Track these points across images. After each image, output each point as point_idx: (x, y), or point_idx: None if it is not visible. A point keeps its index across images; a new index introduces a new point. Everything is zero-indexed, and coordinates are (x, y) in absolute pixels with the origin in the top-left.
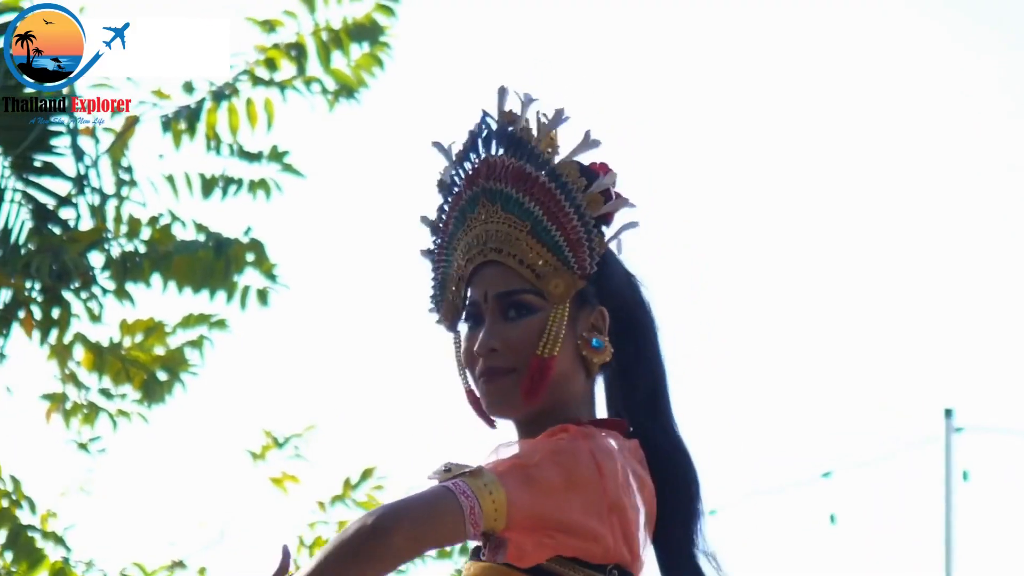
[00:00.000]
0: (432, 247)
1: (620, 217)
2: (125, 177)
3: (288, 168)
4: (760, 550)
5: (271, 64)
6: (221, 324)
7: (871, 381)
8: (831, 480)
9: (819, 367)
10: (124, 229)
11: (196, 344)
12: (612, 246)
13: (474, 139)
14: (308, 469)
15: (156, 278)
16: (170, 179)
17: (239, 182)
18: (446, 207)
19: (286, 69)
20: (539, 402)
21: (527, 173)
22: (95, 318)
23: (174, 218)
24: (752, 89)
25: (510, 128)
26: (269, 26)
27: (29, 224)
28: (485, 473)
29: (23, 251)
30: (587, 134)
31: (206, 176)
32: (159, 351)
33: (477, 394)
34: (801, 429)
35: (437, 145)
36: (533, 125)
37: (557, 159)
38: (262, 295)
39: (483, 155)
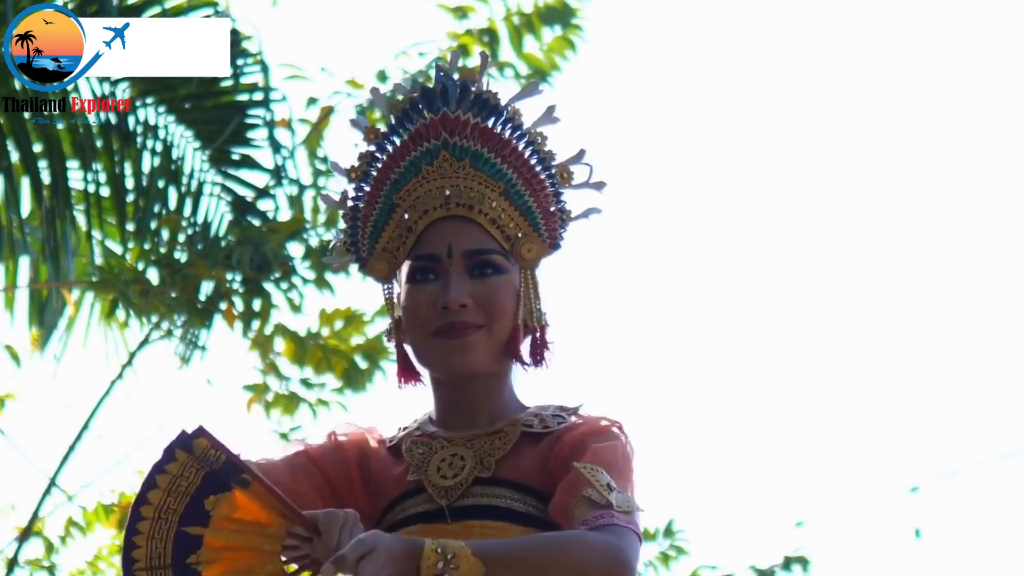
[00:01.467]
0: (353, 193)
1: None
2: (321, 167)
3: None
4: (845, 564)
5: (464, 50)
6: None
7: (958, 392)
8: (918, 495)
9: (903, 383)
10: (322, 219)
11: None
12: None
13: (429, 93)
14: None
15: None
16: None
17: None
18: (381, 155)
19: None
20: (536, 365)
21: (499, 135)
22: (296, 308)
23: None
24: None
25: (474, 89)
26: (461, 12)
27: (229, 216)
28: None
29: (224, 243)
30: (550, 108)
31: None
32: (357, 340)
33: (416, 349)
34: (887, 443)
35: (374, 92)
36: (495, 88)
37: (527, 127)
38: None
39: (442, 110)
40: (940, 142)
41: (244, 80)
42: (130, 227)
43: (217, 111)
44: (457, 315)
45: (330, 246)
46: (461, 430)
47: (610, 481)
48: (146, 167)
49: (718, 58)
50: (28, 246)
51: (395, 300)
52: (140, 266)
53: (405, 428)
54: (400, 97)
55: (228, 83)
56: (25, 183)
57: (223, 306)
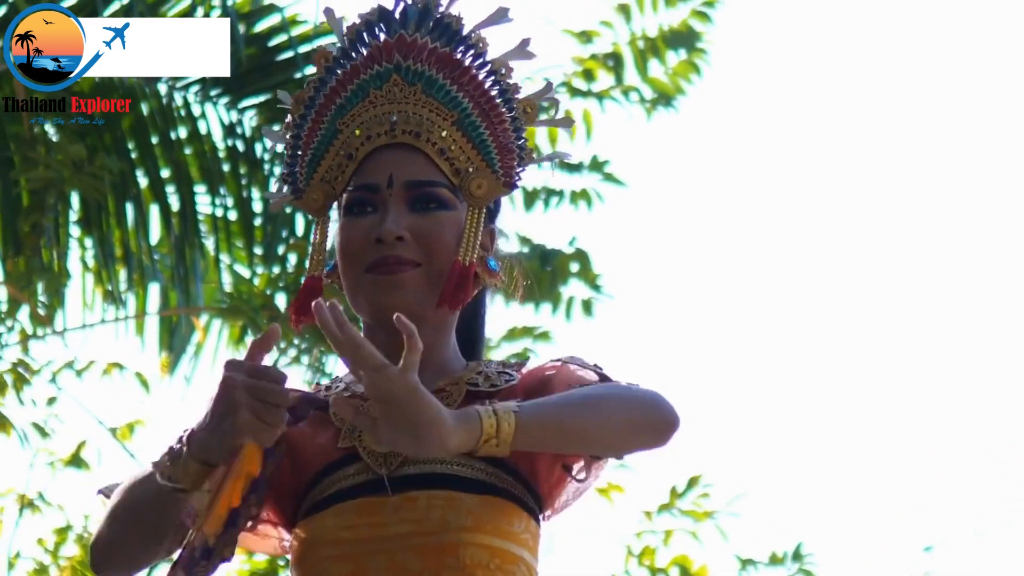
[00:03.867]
0: (293, 120)
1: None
2: None
3: (609, 177)
4: None
5: (588, 75)
6: (545, 336)
7: (977, 450)
8: (932, 554)
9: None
10: None
11: (521, 357)
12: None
13: (386, 15)
14: (633, 479)
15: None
16: None
17: (560, 193)
18: (330, 79)
19: (603, 79)
20: (455, 309)
21: (458, 62)
22: None
23: (498, 232)
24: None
25: (435, 11)
26: (586, 37)
27: None
28: None
29: None
30: (525, 41)
31: (528, 188)
32: None
33: (348, 289)
34: (902, 502)
35: (328, 12)
36: (459, 13)
37: (490, 56)
38: (587, 306)
39: (399, 32)
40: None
41: None
42: (258, 252)
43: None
44: (391, 248)
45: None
46: None
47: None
48: None
49: (841, 74)
50: (157, 273)
51: (315, 236)
52: (268, 292)
53: (327, 387)
54: (356, 20)
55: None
56: (154, 210)
57: None
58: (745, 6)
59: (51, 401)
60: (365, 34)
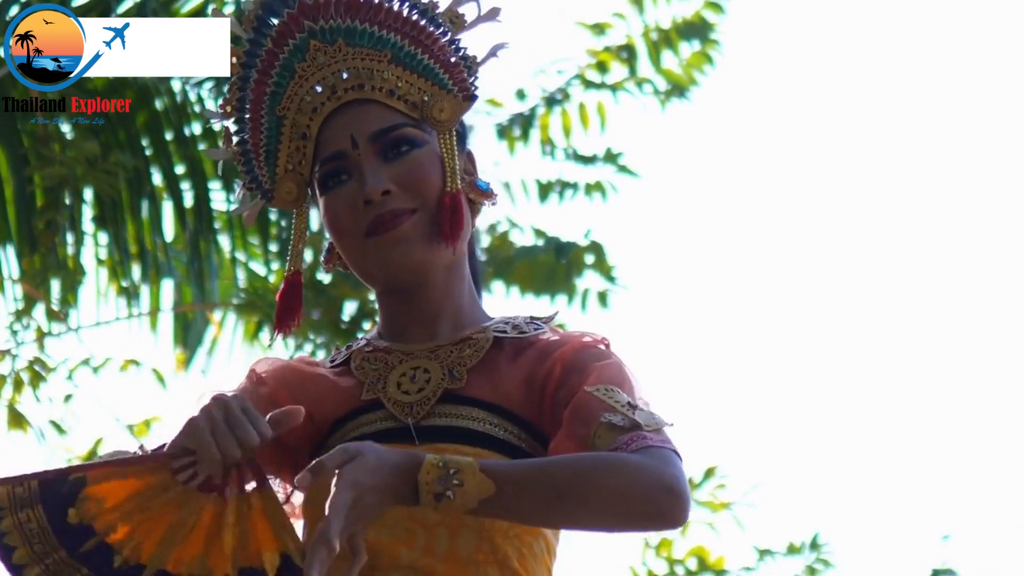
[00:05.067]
0: (234, 127)
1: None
2: None
3: (623, 169)
4: None
5: (602, 67)
6: (560, 328)
7: (994, 439)
8: (949, 543)
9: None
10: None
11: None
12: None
13: None
14: None
15: (498, 284)
16: (507, 185)
17: (575, 185)
18: (251, 73)
19: (617, 71)
20: (459, 241)
21: (367, 2)
22: None
23: (512, 224)
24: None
25: None
26: (599, 29)
27: None
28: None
29: None
30: (493, 10)
31: (542, 181)
32: None
33: (353, 261)
34: (920, 491)
35: (233, 22)
36: None
37: None
38: (602, 297)
39: (297, 1)
40: None
41: None
42: (273, 248)
43: None
44: (383, 205)
45: (234, 198)
46: (421, 342)
47: (629, 399)
48: None
49: (854, 64)
50: (172, 269)
51: (295, 230)
52: None
53: (348, 347)
54: (252, 6)
55: None
56: (168, 206)
57: (366, 326)
58: None
59: (68, 398)
60: (267, 16)
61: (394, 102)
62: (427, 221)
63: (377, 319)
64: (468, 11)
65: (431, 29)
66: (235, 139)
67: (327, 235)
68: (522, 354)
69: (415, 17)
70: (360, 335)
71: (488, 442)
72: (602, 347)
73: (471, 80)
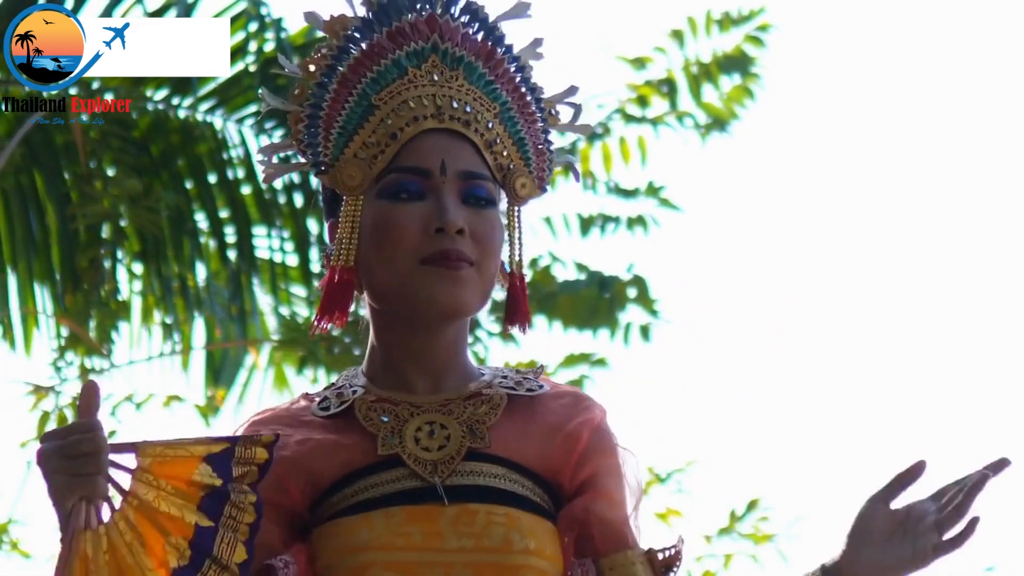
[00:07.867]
0: (314, 90)
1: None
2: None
3: (665, 203)
4: None
5: (643, 101)
6: (602, 362)
7: None
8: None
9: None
10: None
11: (577, 383)
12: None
13: None
14: (692, 503)
15: (540, 319)
16: (548, 220)
17: (616, 219)
18: (353, 49)
19: (657, 105)
20: (526, 326)
21: (492, 51)
22: (480, 362)
23: (554, 258)
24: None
25: None
26: (640, 63)
27: None
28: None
29: None
30: (537, 41)
31: (583, 215)
32: None
33: (394, 277)
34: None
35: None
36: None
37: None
38: (644, 331)
39: (429, 11)
40: None
41: None
42: (316, 284)
43: None
44: (453, 241)
45: (263, 153)
46: (427, 394)
47: (633, 513)
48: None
49: (896, 99)
50: (215, 305)
51: (347, 219)
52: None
53: (338, 392)
54: None
55: None
56: (211, 244)
57: None
58: (798, 31)
59: (112, 434)
60: (391, 9)
61: (488, 153)
62: (479, 278)
63: (365, 360)
64: (563, 113)
65: (533, 109)
66: (309, 98)
67: (338, 238)
68: (534, 412)
69: (523, 89)
70: (338, 375)
71: (514, 500)
72: (611, 429)
73: (548, 176)
